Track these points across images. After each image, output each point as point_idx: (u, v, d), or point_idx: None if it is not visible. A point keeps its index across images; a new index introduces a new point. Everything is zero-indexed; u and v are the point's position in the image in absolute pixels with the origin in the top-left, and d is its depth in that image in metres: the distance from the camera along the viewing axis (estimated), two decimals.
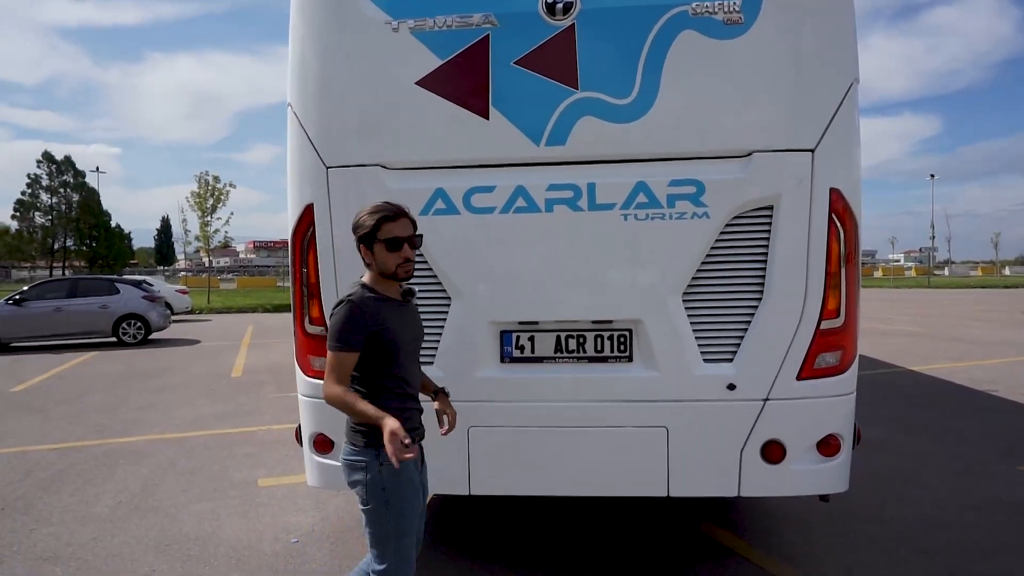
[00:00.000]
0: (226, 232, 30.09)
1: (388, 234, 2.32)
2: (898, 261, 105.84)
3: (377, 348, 2.34)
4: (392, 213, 2.34)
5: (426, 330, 3.20)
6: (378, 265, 2.37)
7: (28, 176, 46.15)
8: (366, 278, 2.43)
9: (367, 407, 2.24)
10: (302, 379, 3.40)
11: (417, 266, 3.17)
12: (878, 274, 69.17)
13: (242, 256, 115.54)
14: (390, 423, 2.14)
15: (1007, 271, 79.14)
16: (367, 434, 2.34)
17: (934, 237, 62.78)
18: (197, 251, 33.36)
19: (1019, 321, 17.79)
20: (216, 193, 28.63)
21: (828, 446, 3.12)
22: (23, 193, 46.24)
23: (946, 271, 76.12)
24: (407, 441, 2.10)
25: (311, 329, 3.30)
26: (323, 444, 3.33)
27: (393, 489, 2.34)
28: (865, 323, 17.17)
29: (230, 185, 29.02)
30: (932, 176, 66.68)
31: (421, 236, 2.46)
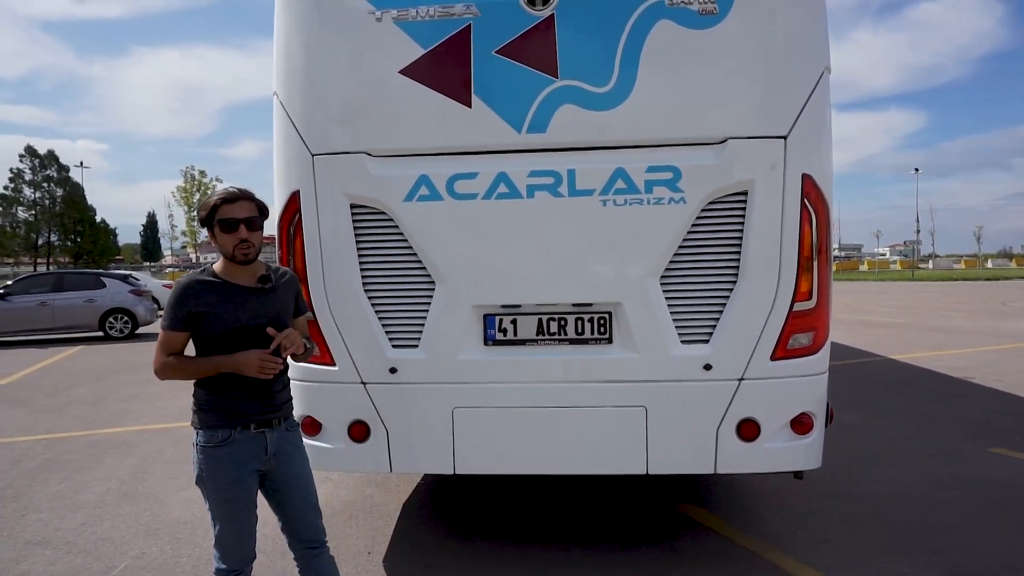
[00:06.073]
0: None
1: (224, 215, 2.33)
2: (883, 255, 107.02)
3: (204, 333, 2.35)
4: (231, 196, 2.36)
5: (412, 313, 3.29)
6: (220, 248, 2.38)
7: (11, 171, 45.68)
8: (217, 263, 2.46)
9: (202, 361, 2.33)
10: (290, 363, 3.46)
11: (402, 251, 3.26)
12: (863, 267, 69.84)
13: None
14: (240, 358, 2.28)
15: (989, 264, 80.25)
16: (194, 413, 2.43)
17: (919, 231, 63.56)
18: (184, 247, 33.15)
19: (998, 311, 18.10)
20: (202, 187, 28.51)
21: (801, 424, 3.22)
22: (5, 188, 45.78)
23: (930, 264, 77.00)
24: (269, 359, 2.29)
25: None
26: (311, 426, 3.40)
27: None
28: (849, 315, 17.41)
29: (216, 180, 28.98)
30: (916, 170, 67.25)
31: (263, 219, 2.42)
